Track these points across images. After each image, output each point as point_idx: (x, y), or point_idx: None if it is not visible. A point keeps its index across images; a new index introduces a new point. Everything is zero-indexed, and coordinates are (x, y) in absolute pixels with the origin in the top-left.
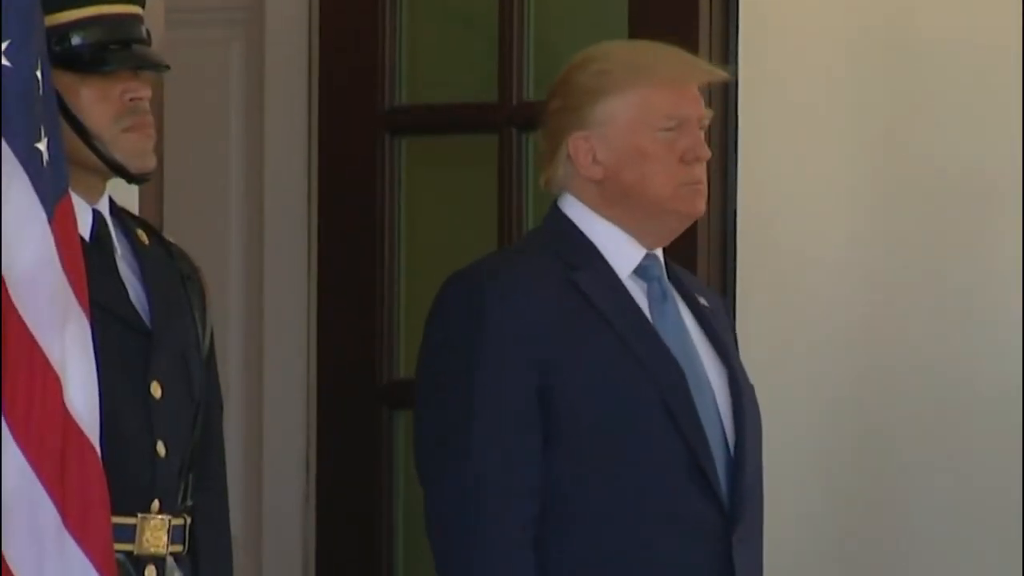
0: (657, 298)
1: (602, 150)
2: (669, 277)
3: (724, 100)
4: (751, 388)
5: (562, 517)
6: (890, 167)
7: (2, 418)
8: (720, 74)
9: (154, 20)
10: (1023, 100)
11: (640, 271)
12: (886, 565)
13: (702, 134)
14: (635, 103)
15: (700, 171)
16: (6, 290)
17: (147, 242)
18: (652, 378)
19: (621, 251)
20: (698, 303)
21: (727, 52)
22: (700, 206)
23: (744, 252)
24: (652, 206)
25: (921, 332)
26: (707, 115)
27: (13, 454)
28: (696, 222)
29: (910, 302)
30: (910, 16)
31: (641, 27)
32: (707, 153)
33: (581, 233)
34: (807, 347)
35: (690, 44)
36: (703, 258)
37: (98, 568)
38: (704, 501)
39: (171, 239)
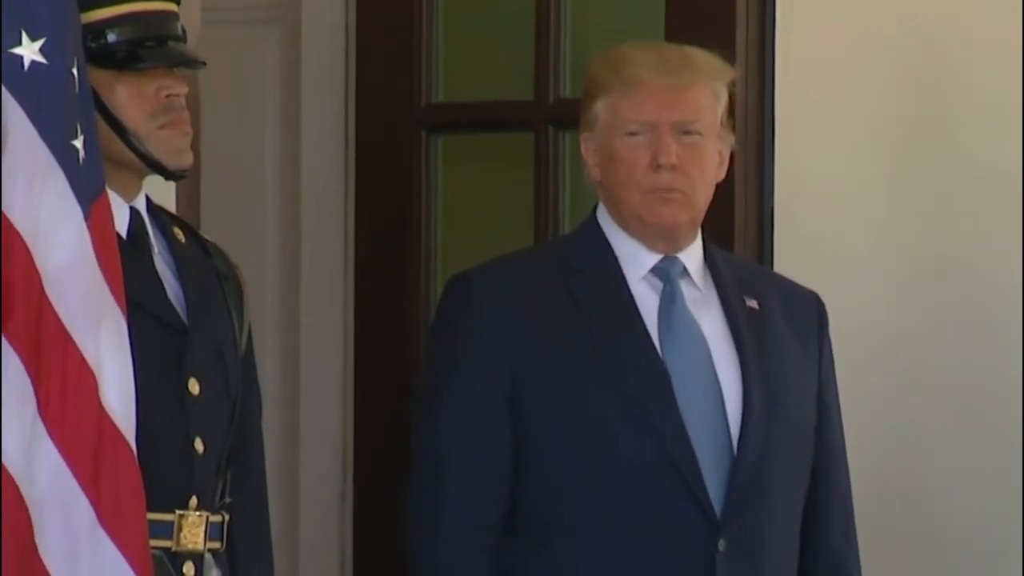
0: (667, 301)
1: (596, 152)
2: (713, 276)
3: (760, 99)
4: (788, 392)
5: (533, 532)
6: (925, 165)
7: (38, 415)
8: (705, 77)
9: (191, 19)
10: None
11: (657, 272)
12: (910, 560)
13: (693, 139)
14: (610, 106)
15: (669, 178)
16: (42, 287)
17: (183, 240)
18: (628, 381)
19: (634, 255)
20: (740, 304)
21: (763, 51)
22: (668, 216)
23: (780, 250)
24: (626, 211)
25: (956, 329)
26: (688, 120)
27: (48, 451)
28: (733, 220)
29: (945, 298)
30: (944, 16)
31: (678, 24)
32: (667, 159)
33: (603, 236)
34: (843, 343)
35: (726, 42)
36: (739, 255)
37: (133, 565)
38: (687, 506)
39: (208, 237)
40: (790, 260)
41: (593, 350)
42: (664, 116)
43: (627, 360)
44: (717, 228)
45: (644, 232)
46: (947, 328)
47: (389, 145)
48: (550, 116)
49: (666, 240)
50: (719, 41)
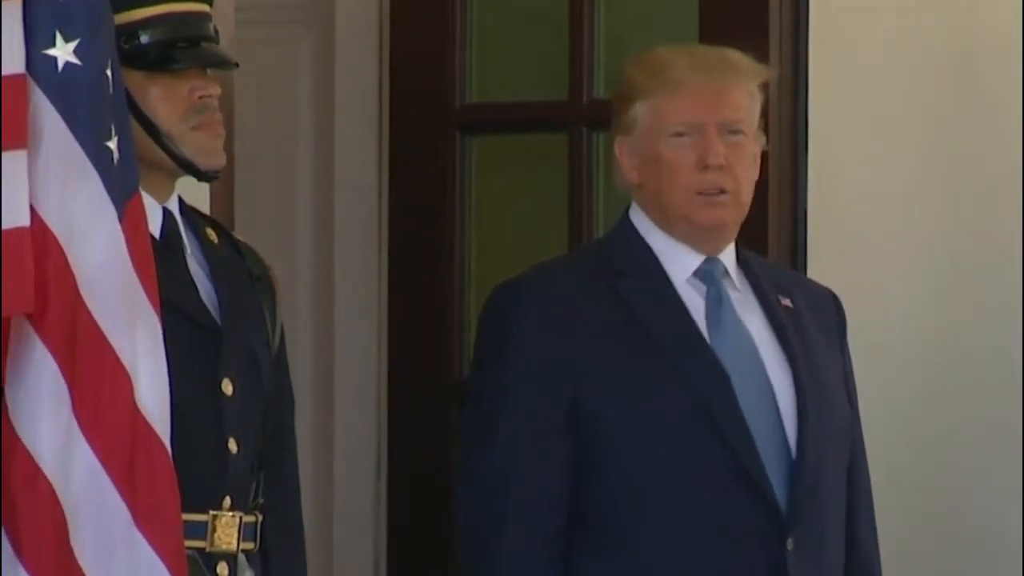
0: (714, 302)
1: (635, 155)
2: (748, 277)
3: (794, 101)
4: (829, 389)
5: (599, 536)
6: (959, 166)
7: (73, 416)
8: (745, 77)
9: (224, 19)
10: None
11: (700, 275)
12: (932, 561)
13: (738, 138)
14: (651, 108)
15: (717, 178)
16: (77, 288)
17: (216, 241)
18: (690, 384)
19: (677, 257)
20: (777, 304)
21: (797, 51)
22: (716, 217)
23: (813, 251)
24: (671, 213)
25: (991, 331)
26: (733, 120)
27: (83, 452)
28: (767, 221)
29: (980, 300)
30: (978, 18)
31: (712, 24)
32: (716, 160)
33: (641, 239)
34: (877, 342)
35: (760, 42)
36: (772, 258)
37: (168, 566)
38: (754, 507)
39: (240, 238)
40: (823, 261)
41: (649, 352)
42: (710, 117)
43: (685, 362)
44: (750, 229)
45: (691, 233)
46: (982, 329)
47: (423, 146)
48: (584, 117)
49: (713, 240)
50: (753, 41)
